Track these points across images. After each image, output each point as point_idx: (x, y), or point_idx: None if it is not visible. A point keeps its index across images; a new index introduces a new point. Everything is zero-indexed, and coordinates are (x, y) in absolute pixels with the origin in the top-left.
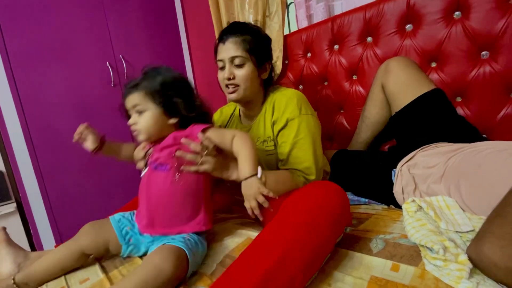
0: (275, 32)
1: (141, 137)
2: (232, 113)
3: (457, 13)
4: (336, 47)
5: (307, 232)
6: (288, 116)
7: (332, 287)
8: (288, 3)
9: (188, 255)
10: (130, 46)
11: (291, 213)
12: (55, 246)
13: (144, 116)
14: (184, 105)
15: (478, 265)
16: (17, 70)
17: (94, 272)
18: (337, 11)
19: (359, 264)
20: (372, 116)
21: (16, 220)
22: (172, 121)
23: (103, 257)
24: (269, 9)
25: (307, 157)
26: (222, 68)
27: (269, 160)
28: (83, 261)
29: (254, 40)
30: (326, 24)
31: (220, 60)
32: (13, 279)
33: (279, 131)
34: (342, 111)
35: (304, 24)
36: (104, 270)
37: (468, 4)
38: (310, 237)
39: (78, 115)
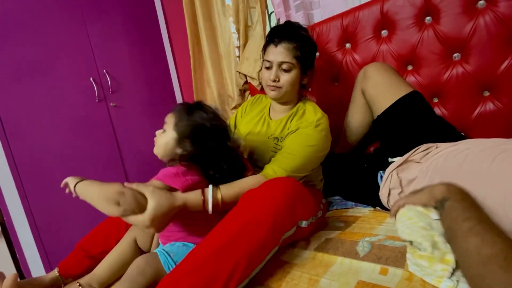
0: (257, 42)
1: (157, 154)
2: (266, 105)
3: (428, 18)
4: (316, 54)
5: (249, 229)
6: (302, 124)
7: None
8: (269, 12)
9: (165, 267)
10: (114, 61)
11: (237, 212)
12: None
13: (163, 135)
14: (197, 145)
15: None
16: None
17: None
18: (317, 19)
19: (348, 269)
20: (355, 120)
21: (1, 244)
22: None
23: None
24: (251, 18)
25: (291, 164)
26: (268, 68)
27: (273, 156)
28: (138, 255)
29: (304, 48)
30: None
31: (268, 61)
32: (79, 284)
33: (288, 134)
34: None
35: None
36: None
37: (438, 9)
38: (252, 233)
39: (63, 132)
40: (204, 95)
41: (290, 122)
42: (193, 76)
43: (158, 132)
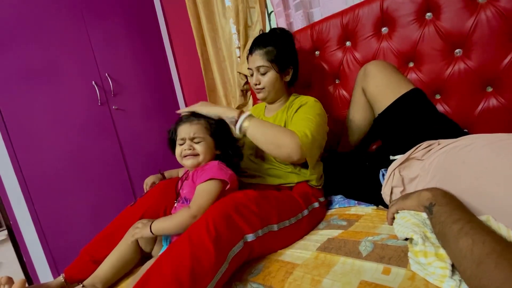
0: None
1: (200, 162)
2: (261, 109)
3: (428, 14)
4: (317, 53)
5: (189, 243)
6: (302, 103)
7: None
8: (269, 12)
9: None
10: (115, 64)
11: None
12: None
13: (203, 144)
14: (229, 142)
15: None
16: (1, 95)
17: None
18: (317, 17)
19: (350, 269)
20: (356, 119)
21: (8, 247)
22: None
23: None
24: (250, 19)
25: (310, 125)
26: (252, 75)
27: None
28: (139, 254)
29: (277, 50)
30: (305, 31)
31: (250, 69)
32: (83, 285)
33: (293, 114)
34: (327, 115)
35: None
36: None
37: (438, 5)
38: (191, 248)
39: (66, 136)
40: (216, 96)
41: (288, 110)
42: (204, 77)
43: (188, 146)
